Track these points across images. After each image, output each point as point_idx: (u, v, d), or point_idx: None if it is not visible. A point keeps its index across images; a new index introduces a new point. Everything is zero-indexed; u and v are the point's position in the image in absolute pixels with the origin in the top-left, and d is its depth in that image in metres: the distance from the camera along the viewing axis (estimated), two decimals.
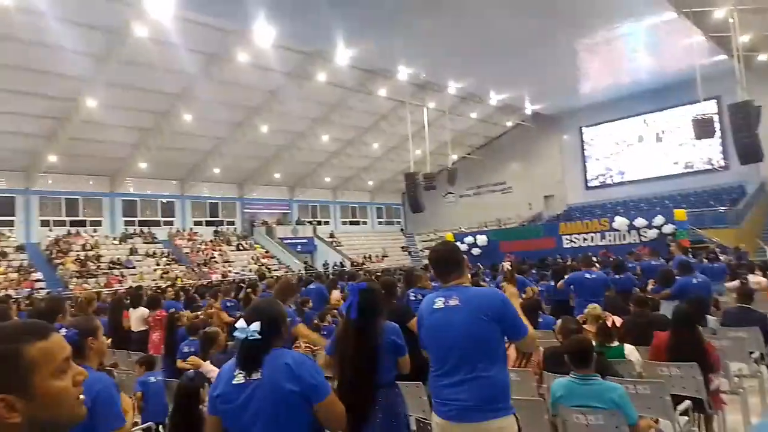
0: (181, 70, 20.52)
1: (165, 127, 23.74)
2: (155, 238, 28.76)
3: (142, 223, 29.10)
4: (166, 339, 6.42)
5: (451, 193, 31.65)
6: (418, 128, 27.41)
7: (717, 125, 21.19)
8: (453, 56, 22.12)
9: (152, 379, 5.00)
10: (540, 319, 6.36)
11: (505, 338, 2.85)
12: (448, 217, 35.80)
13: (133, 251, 26.69)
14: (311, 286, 9.94)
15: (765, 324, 6.06)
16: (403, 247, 37.90)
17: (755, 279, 9.84)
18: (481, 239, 23.10)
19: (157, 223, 29.65)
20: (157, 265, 26.30)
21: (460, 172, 29.76)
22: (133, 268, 25.40)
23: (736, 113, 16.49)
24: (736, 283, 8.83)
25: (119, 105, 21.37)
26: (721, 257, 11.90)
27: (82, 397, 1.17)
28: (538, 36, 19.83)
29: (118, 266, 25.06)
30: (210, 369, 3.90)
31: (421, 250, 36.20)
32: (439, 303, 2.80)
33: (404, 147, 29.74)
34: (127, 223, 28.58)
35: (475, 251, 23.08)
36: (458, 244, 20.24)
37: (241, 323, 2.28)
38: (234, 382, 2.26)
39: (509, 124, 33.03)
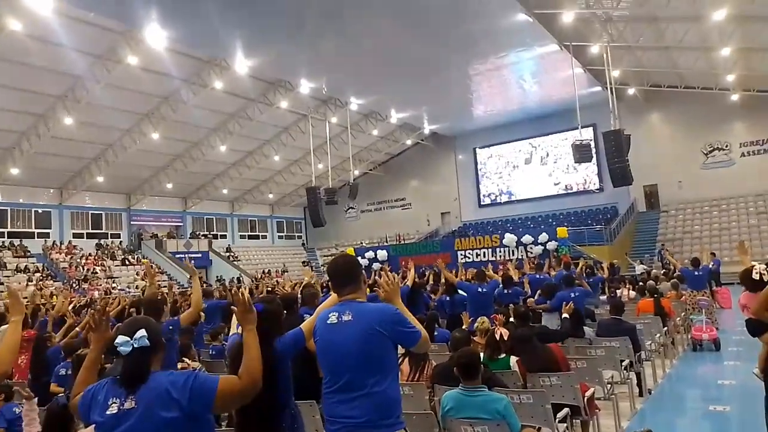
0: (63, 70, 19.01)
1: (42, 131, 21.72)
2: (28, 251, 26.11)
3: (12, 235, 26.32)
4: (33, 362, 5.80)
5: (352, 207, 31.92)
6: (321, 142, 27.35)
7: (593, 150, 23.18)
8: (355, 73, 22.38)
9: (16, 410, 4.48)
10: (435, 333, 6.51)
11: (399, 352, 2.87)
12: (350, 232, 35.98)
13: (0, 265, 24.04)
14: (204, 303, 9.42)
15: (634, 334, 6.64)
16: (303, 262, 37.35)
17: (625, 292, 10.80)
18: (382, 254, 23.33)
19: (30, 235, 26.96)
20: (30, 281, 23.86)
21: (362, 188, 30.06)
22: (0, 284, 22.85)
23: (610, 140, 18.17)
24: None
25: None
26: (597, 272, 12.92)
27: None
28: (434, 59, 20.60)
29: None
30: (31, 409, 3.62)
31: (322, 265, 35.93)
32: (333, 318, 2.77)
33: (306, 160, 29.56)
34: None
35: (376, 266, 23.28)
36: (359, 258, 20.35)
37: (121, 337, 2.12)
38: (108, 412, 2.08)
39: (409, 142, 33.92)
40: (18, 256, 25.52)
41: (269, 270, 33.41)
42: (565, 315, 6.47)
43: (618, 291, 11.11)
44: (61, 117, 20.97)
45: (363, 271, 2.99)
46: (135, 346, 2.10)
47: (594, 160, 24.61)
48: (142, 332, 2.12)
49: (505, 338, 5.23)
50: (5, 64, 17.62)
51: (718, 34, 18.33)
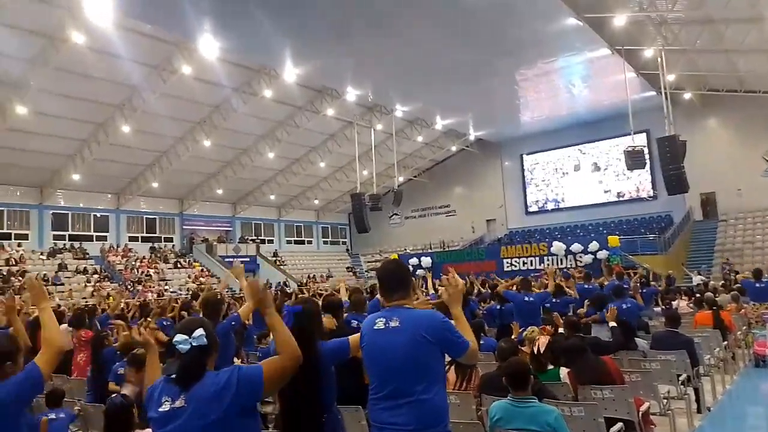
0: (121, 80, 19.87)
1: (102, 139, 22.76)
2: (86, 253, 27.35)
3: (72, 238, 27.63)
4: (93, 361, 6.03)
5: (396, 214, 31.93)
6: (366, 149, 27.54)
7: (647, 157, 22.41)
8: (400, 80, 22.46)
9: (52, 416, 4.59)
10: (482, 341, 6.40)
11: (446, 360, 2.84)
12: (394, 238, 36.00)
13: (62, 267, 25.26)
14: None
15: (691, 347, 6.34)
16: (348, 268, 37.69)
17: (682, 304, 10.36)
18: (426, 261, 23.26)
19: (89, 238, 28.23)
20: (88, 282, 24.98)
21: (406, 194, 30.06)
22: (62, 284, 23.99)
23: (664, 147, 17.54)
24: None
25: (52, 113, 20.38)
26: (652, 283, 12.45)
27: None
28: (481, 65, 20.42)
29: (44, 283, 23.58)
30: None
31: (366, 271, 36.13)
32: (380, 324, 2.76)
33: (351, 167, 29.82)
34: (57, 237, 27.05)
35: (420, 272, 23.20)
36: None
37: (180, 336, 2.17)
38: (160, 409, 2.15)
39: (454, 148, 33.73)
40: (78, 258, 26.74)
41: (314, 275, 33.84)
42: (612, 324, 6.23)
43: (673, 303, 10.65)
44: (119, 125, 21.92)
45: (413, 278, 2.98)
46: (193, 344, 2.15)
47: (647, 167, 23.78)
48: (200, 331, 2.17)
49: (542, 350, 4.96)
50: (69, 75, 18.56)
51: None
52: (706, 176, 24.47)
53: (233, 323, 4.69)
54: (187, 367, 2.16)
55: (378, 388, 2.72)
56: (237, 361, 5.89)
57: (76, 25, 16.31)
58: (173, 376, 2.19)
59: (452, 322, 2.78)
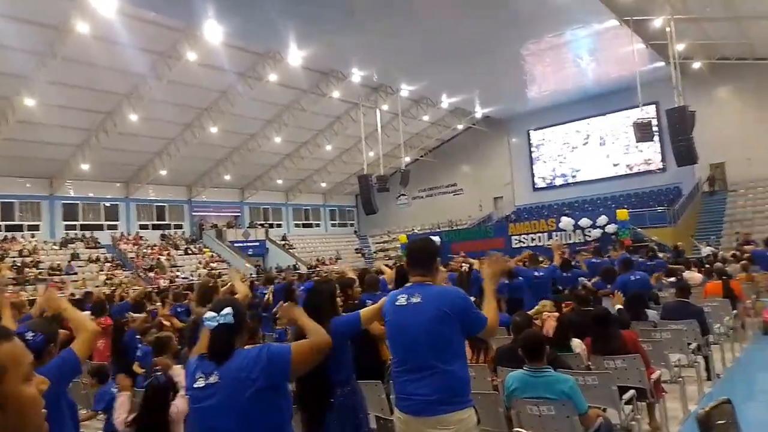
0: (127, 69, 19.86)
1: (110, 128, 22.86)
2: (98, 242, 27.66)
3: (84, 228, 27.93)
4: (114, 345, 6.22)
5: (404, 194, 31.91)
6: (372, 130, 27.50)
7: (656, 129, 22.23)
8: (405, 59, 22.31)
9: (114, 389, 4.84)
10: None
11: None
12: (402, 219, 36.10)
13: (74, 256, 25.59)
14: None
15: (701, 316, 6.43)
16: (356, 249, 37.89)
17: (690, 275, 10.40)
18: (434, 240, 23.39)
19: (100, 227, 28.53)
20: (101, 270, 25.32)
21: (413, 174, 30.06)
22: (75, 274, 24.34)
23: (673, 118, 17.39)
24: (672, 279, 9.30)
25: (60, 104, 20.45)
26: (660, 255, 12.49)
27: (44, 411, 1.03)
28: (487, 41, 20.24)
29: (58, 272, 23.93)
30: (178, 373, 3.81)
31: (374, 252, 36.32)
32: (402, 300, 2.85)
33: (357, 149, 29.79)
34: (68, 228, 27.36)
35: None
36: None
37: (210, 313, 2.27)
38: (195, 385, 2.25)
39: (460, 127, 33.58)
40: (89, 247, 27.07)
41: (323, 257, 34.07)
42: (618, 306, 6.19)
43: (684, 274, 10.70)
44: (126, 114, 21.99)
45: (438, 257, 3.03)
46: (220, 321, 2.25)
47: (656, 138, 23.59)
48: (228, 310, 2.27)
49: (550, 333, 4.92)
50: (75, 65, 18.59)
51: None
52: (716, 147, 24.26)
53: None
54: (215, 343, 2.26)
55: (401, 362, 2.82)
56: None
57: (81, 15, 16.31)
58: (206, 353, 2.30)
59: (472, 299, 2.88)
